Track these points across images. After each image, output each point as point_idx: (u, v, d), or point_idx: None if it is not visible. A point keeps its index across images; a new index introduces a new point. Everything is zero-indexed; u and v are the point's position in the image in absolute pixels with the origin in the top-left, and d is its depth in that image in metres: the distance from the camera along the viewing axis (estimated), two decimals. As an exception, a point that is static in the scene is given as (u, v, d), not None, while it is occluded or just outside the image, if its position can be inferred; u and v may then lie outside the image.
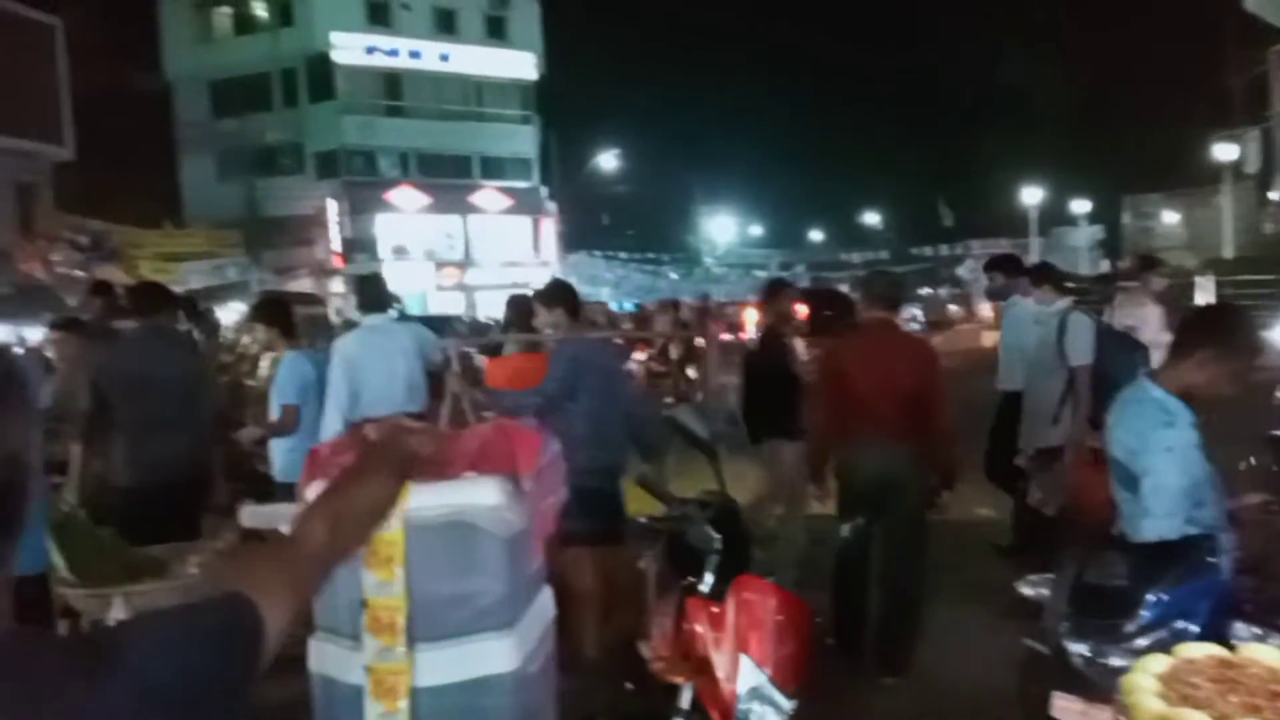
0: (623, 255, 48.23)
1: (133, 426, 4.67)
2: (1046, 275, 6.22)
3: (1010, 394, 6.12)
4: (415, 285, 32.42)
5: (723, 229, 55.80)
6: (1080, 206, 48.84)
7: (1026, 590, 2.77)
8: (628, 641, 3.23)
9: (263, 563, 1.15)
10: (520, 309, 8.23)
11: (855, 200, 63.82)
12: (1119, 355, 5.22)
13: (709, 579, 2.85)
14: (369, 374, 5.06)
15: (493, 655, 2.19)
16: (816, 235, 64.73)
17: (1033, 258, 42.27)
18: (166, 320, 5.15)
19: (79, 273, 21.80)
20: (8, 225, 24.55)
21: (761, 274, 53.04)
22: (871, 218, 62.24)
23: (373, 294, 5.57)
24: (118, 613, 3.31)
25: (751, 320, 23.93)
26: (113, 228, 26.19)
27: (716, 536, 2.90)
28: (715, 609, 2.76)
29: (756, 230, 61.84)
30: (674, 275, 49.71)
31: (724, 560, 2.88)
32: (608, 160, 40.53)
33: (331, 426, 4.87)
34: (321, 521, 1.19)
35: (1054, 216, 48.48)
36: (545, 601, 2.30)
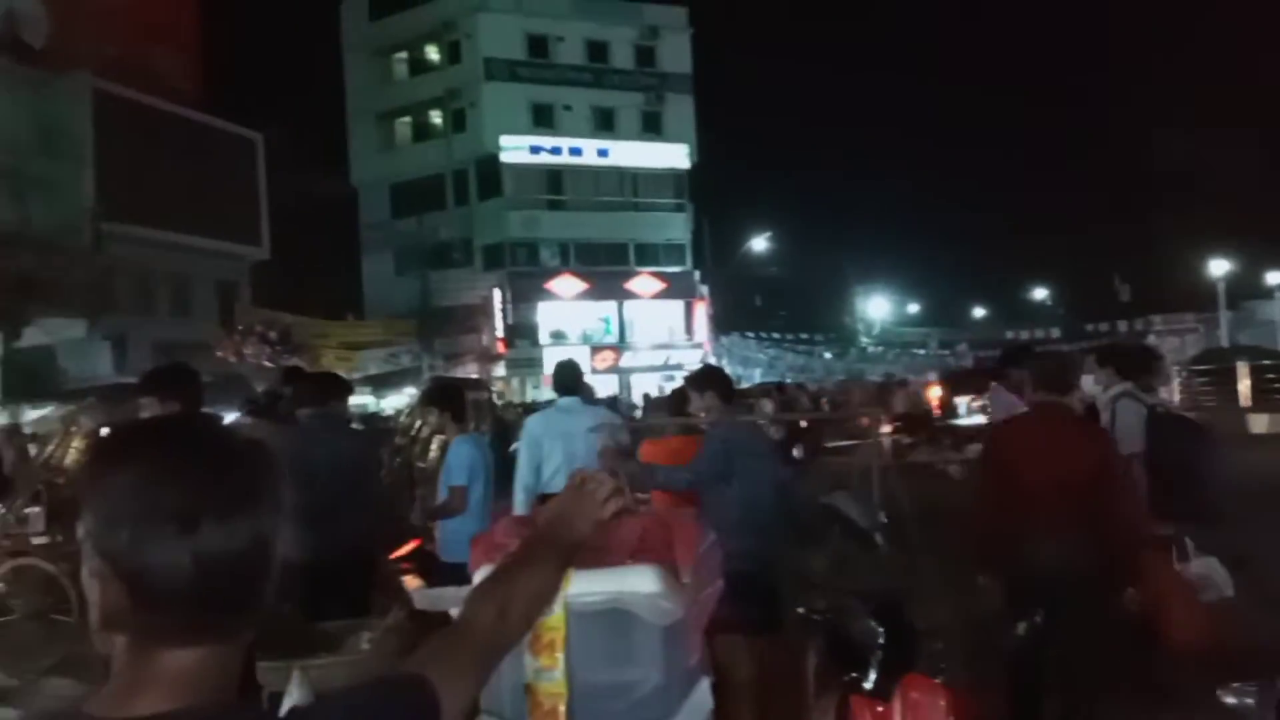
0: (775, 336, 47.97)
1: (305, 508, 4.96)
2: (1111, 358, 5.87)
3: None
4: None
5: (878, 307, 54.74)
6: (1275, 278, 45.18)
7: (1229, 699, 2.54)
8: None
9: (438, 645, 1.18)
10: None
11: (1021, 274, 61.47)
12: (1177, 441, 5.00)
13: (872, 676, 2.74)
14: (550, 451, 5.50)
15: (650, 748, 2.15)
16: (979, 311, 62.43)
17: (1221, 333, 39.39)
18: (337, 408, 5.52)
19: (268, 363, 23.64)
20: (210, 319, 27.10)
21: (920, 352, 51.49)
22: (1039, 293, 59.67)
23: (564, 377, 6.02)
24: (295, 685, 3.47)
25: (935, 398, 23.13)
26: (301, 320, 28.40)
27: (879, 630, 2.80)
28: (880, 708, 2.65)
29: (913, 308, 60.30)
30: (828, 355, 48.93)
31: (887, 656, 2.77)
32: (759, 242, 40.87)
33: (518, 500, 5.33)
34: (491, 605, 1.23)
35: (1246, 288, 45.01)
36: (703, 694, 2.27)
